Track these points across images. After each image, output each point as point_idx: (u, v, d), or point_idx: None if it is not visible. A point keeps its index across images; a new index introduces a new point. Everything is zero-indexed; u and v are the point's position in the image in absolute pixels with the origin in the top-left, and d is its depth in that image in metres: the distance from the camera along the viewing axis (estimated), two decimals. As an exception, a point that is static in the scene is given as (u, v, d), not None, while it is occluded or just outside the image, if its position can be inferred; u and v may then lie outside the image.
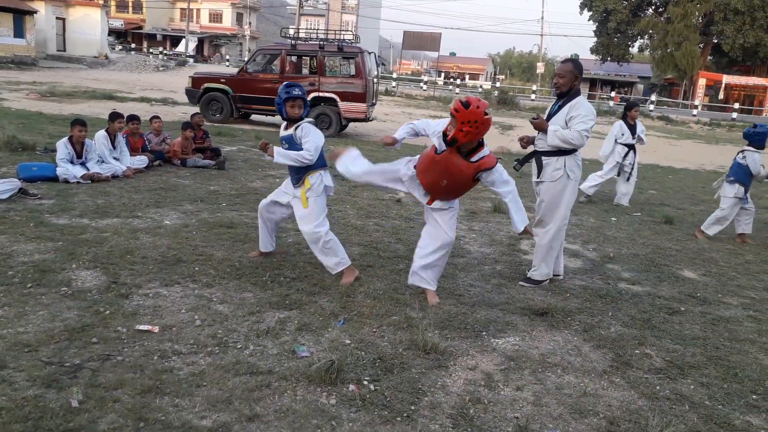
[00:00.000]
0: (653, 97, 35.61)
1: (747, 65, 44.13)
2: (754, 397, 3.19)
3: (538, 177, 4.65)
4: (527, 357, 3.42)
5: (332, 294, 4.08)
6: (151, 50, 52.29)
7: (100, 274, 4.01)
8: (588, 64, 56.17)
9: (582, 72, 4.60)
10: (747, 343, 3.91)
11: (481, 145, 3.92)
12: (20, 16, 33.24)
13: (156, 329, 3.28)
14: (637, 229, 7.00)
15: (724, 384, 3.30)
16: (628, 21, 44.41)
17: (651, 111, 31.56)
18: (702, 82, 41.03)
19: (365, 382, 2.95)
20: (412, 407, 2.79)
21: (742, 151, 6.85)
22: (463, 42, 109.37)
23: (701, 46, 42.96)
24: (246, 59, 18.30)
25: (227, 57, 51.68)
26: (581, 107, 4.40)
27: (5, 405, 2.48)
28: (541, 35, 53.89)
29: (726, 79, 41.25)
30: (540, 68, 49.58)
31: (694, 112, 32.86)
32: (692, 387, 3.24)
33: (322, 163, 4.32)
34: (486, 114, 3.75)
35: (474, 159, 3.87)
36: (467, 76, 65.18)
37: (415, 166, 4.11)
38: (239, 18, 65.47)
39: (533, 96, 34.93)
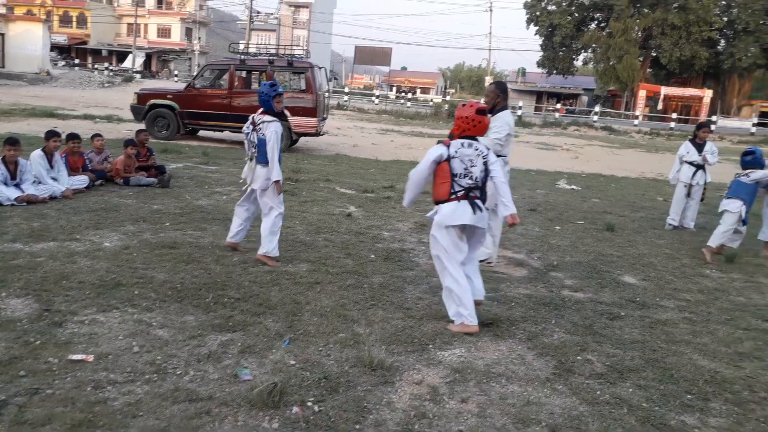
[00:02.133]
0: (597, 109, 36.89)
1: (683, 77, 46.28)
2: (688, 397, 3.31)
3: None
4: (472, 368, 3.45)
5: (278, 313, 4.03)
6: (96, 66, 50.98)
7: (31, 302, 3.84)
8: (535, 77, 57.88)
9: (505, 91, 5.58)
10: (682, 344, 4.05)
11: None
12: (-46, 31, 31.88)
13: (90, 358, 3.16)
14: (580, 237, 7.19)
15: (661, 386, 3.40)
16: (573, 35, 45.93)
17: (595, 122, 32.64)
18: (642, 93, 42.70)
19: (309, 403, 2.91)
20: (357, 426, 2.77)
21: (746, 174, 6.70)
22: (414, 57, 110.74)
23: (641, 59, 44.79)
24: (194, 74, 18.00)
25: (176, 72, 50.80)
26: (498, 119, 5.25)
27: None
28: (490, 50, 55.34)
29: (664, 90, 43.07)
30: (489, 82, 50.72)
31: (636, 122, 34.24)
32: (631, 390, 3.33)
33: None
34: (479, 113, 3.99)
35: None
36: (419, 90, 66.01)
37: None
38: (188, 33, 64.60)
39: (483, 108, 35.62)
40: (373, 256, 5.62)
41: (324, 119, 15.35)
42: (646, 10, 43.30)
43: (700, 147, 8.05)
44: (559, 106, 42.32)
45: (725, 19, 41.98)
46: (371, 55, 43.64)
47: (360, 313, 4.14)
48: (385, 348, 3.59)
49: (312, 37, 63.19)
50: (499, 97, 5.41)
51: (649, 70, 47.92)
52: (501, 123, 5.25)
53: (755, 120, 34.39)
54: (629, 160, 18.67)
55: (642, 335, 4.16)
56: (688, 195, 8.06)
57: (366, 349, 3.48)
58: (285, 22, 66.10)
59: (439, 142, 4.12)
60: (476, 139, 4.01)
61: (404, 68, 74.21)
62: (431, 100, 45.90)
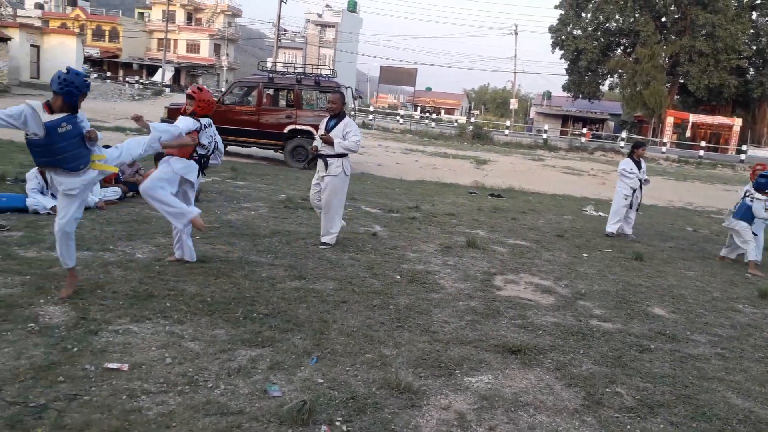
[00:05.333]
0: (624, 134, 36.60)
1: (712, 105, 45.79)
2: (721, 435, 3.24)
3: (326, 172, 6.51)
4: (500, 396, 3.43)
5: (306, 331, 4.06)
6: (127, 79, 52.11)
7: (68, 310, 3.93)
8: (560, 101, 57.74)
9: (344, 99, 6.79)
10: (715, 381, 3.98)
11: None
12: (-6, 42, 32.99)
13: (125, 367, 3.22)
14: (608, 265, 7.12)
15: (693, 423, 3.35)
16: (599, 60, 45.87)
17: (622, 147, 32.40)
18: (670, 120, 42.36)
19: (338, 423, 2.92)
20: (385, 448, 2.77)
21: (752, 196, 7.67)
22: (439, 77, 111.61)
23: (668, 85, 44.50)
24: (223, 90, 18.32)
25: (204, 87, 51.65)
26: (351, 124, 6.54)
27: (-36, 449, 2.39)
28: (515, 72, 55.33)
29: (693, 117, 42.67)
30: (514, 104, 50.76)
31: (663, 149, 33.85)
32: (662, 426, 3.28)
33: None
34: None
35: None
36: (443, 111, 66.29)
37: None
38: (217, 49, 65.86)
39: (507, 131, 35.58)
40: (398, 276, 5.64)
41: (350, 138, 15.50)
42: (673, 37, 43.13)
43: (638, 164, 9.20)
44: (585, 130, 42.16)
45: (754, 47, 41.60)
46: (396, 75, 43.94)
47: (386, 335, 4.15)
48: (412, 371, 3.60)
49: (338, 56, 64.01)
50: (343, 104, 6.67)
51: (676, 96, 47.57)
52: (356, 126, 6.60)
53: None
54: (657, 188, 18.44)
55: (673, 369, 4.10)
56: (630, 206, 9.11)
57: (393, 371, 3.49)
58: (311, 40, 67.10)
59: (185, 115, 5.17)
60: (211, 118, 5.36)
61: (429, 89, 74.72)
62: (456, 121, 46.03)
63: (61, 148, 3.94)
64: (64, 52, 39.76)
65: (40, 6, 64.16)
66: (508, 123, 39.63)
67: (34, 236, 5.59)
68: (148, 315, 4.01)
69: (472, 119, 40.04)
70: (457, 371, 3.69)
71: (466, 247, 7.16)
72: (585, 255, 7.57)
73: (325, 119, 6.74)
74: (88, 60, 51.02)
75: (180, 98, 35.61)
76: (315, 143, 6.78)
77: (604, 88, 51.27)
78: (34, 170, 6.72)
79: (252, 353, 3.62)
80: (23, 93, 31.94)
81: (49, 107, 3.93)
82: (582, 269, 6.77)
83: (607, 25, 46.08)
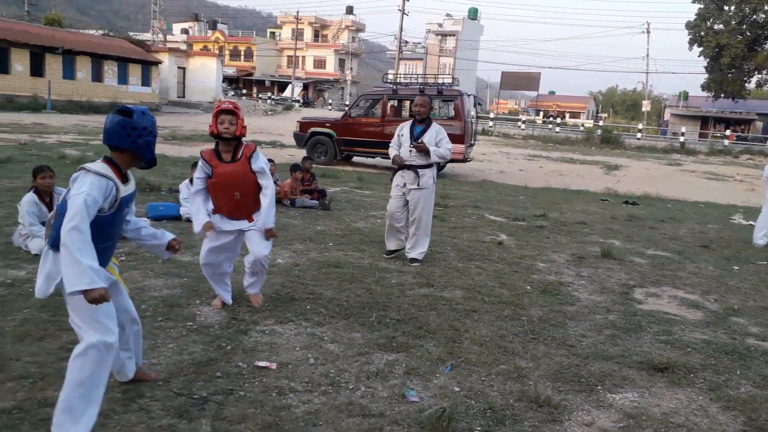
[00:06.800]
0: (775, 135, 33.02)
1: None
2: None
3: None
4: (648, 415, 3.23)
5: (438, 338, 4.08)
6: (260, 95, 55.77)
7: (220, 310, 4.27)
8: (698, 101, 53.33)
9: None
10: None
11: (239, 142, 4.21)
12: (147, 66, 36.83)
13: (274, 366, 3.43)
14: (763, 278, 6.45)
15: None
16: (744, 56, 41.74)
17: (773, 150, 29.27)
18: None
19: (476, 432, 2.91)
20: (526, 462, 2.71)
21: None
22: (562, 80, 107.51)
23: (828, 79, 39.53)
24: (348, 103, 19.01)
25: (330, 101, 54.06)
26: (442, 130, 6.03)
27: None
28: (647, 72, 52.02)
29: None
30: (646, 106, 47.67)
31: (824, 150, 30.11)
32: (843, 462, 2.91)
33: None
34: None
35: (239, 156, 4.14)
36: (567, 115, 63.82)
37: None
38: (341, 63, 68.51)
39: (639, 135, 33.50)
40: (529, 287, 5.50)
41: (471, 145, 15.44)
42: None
43: None
44: (728, 132, 38.60)
45: None
46: (518, 81, 43.08)
47: (521, 346, 4.06)
48: (550, 385, 3.49)
49: (458, 64, 63.94)
50: (431, 108, 6.28)
51: (840, 92, 42.10)
52: (445, 133, 6.06)
53: None
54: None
55: None
56: None
57: (531, 383, 3.41)
58: (432, 50, 67.64)
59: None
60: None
61: (552, 92, 72.38)
62: (582, 125, 44.13)
63: None
64: (205, 73, 43.48)
65: (185, 31, 70.70)
66: (640, 126, 37.36)
67: (188, 242, 6.13)
68: (291, 317, 4.25)
69: (600, 123, 38.12)
70: (599, 387, 3.53)
71: (600, 258, 6.82)
72: (735, 267, 6.91)
73: (405, 125, 6.11)
74: (225, 79, 55.26)
75: (308, 112, 37.44)
76: (393, 153, 6.07)
77: (751, 85, 46.58)
78: (186, 182, 7.39)
79: (388, 357, 3.71)
80: (172, 111, 35.27)
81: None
82: (733, 283, 6.19)
83: (754, 17, 41.83)
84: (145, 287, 4.66)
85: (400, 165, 6.00)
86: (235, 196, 4.13)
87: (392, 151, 6.09)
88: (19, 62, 29.64)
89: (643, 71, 52.59)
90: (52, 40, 31.44)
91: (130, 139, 2.66)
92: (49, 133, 17.95)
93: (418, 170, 5.94)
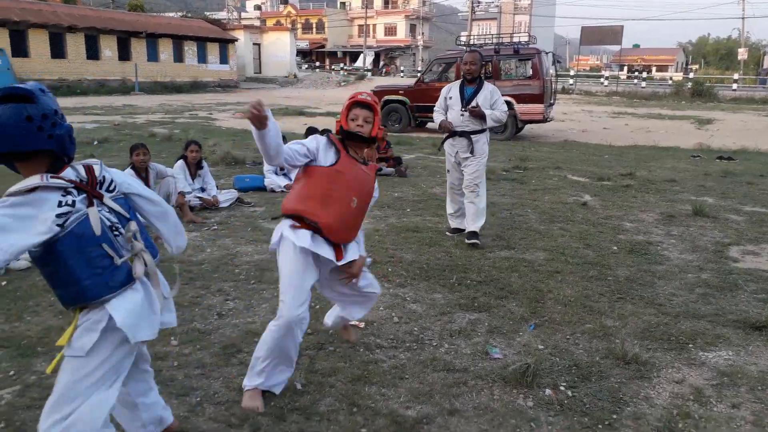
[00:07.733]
0: None
1: None
2: None
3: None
4: (743, 373, 3.11)
5: (520, 299, 4.09)
6: (332, 67, 56.20)
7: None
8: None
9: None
10: None
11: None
12: (224, 44, 37.99)
13: (361, 324, 3.58)
14: None
15: None
16: None
17: None
18: None
19: (562, 388, 2.93)
20: (614, 416, 2.71)
21: None
22: (647, 33, 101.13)
23: None
24: (420, 69, 18.84)
25: (401, 68, 53.68)
26: (497, 91, 5.40)
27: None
28: (743, 18, 47.90)
29: None
30: (742, 54, 44.10)
31: None
32: None
33: None
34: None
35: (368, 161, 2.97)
36: (653, 69, 60.15)
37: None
38: (412, 29, 67.60)
39: (734, 86, 31.10)
40: (615, 247, 5.35)
41: (551, 105, 14.95)
42: None
43: None
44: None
45: None
46: (599, 35, 40.95)
47: (607, 306, 3.99)
48: (638, 343, 3.43)
49: (534, 22, 61.48)
50: (482, 66, 5.66)
51: None
52: (500, 93, 5.45)
53: None
54: None
55: None
56: None
57: (618, 341, 3.37)
58: (506, 9, 65.34)
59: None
60: None
61: (636, 45, 68.20)
62: (670, 78, 41.49)
63: None
64: (280, 48, 44.30)
65: (258, 7, 71.95)
66: (735, 76, 34.64)
67: (274, 211, 6.40)
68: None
69: (691, 75, 35.71)
70: (690, 345, 3.43)
71: (692, 216, 6.50)
72: None
73: (453, 86, 5.44)
74: (299, 52, 56.04)
75: (380, 81, 37.40)
76: (440, 118, 5.40)
77: None
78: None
79: (470, 317, 3.77)
80: (249, 87, 36.34)
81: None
82: (844, 239, 5.74)
83: None
84: (238, 253, 4.93)
85: (450, 132, 5.38)
86: (351, 202, 2.82)
87: (438, 117, 5.44)
88: (108, 48, 31.45)
89: (739, 17, 48.55)
90: (136, 25, 33.07)
91: (46, 134, 1.80)
92: (138, 113, 19.03)
93: (472, 136, 5.33)
